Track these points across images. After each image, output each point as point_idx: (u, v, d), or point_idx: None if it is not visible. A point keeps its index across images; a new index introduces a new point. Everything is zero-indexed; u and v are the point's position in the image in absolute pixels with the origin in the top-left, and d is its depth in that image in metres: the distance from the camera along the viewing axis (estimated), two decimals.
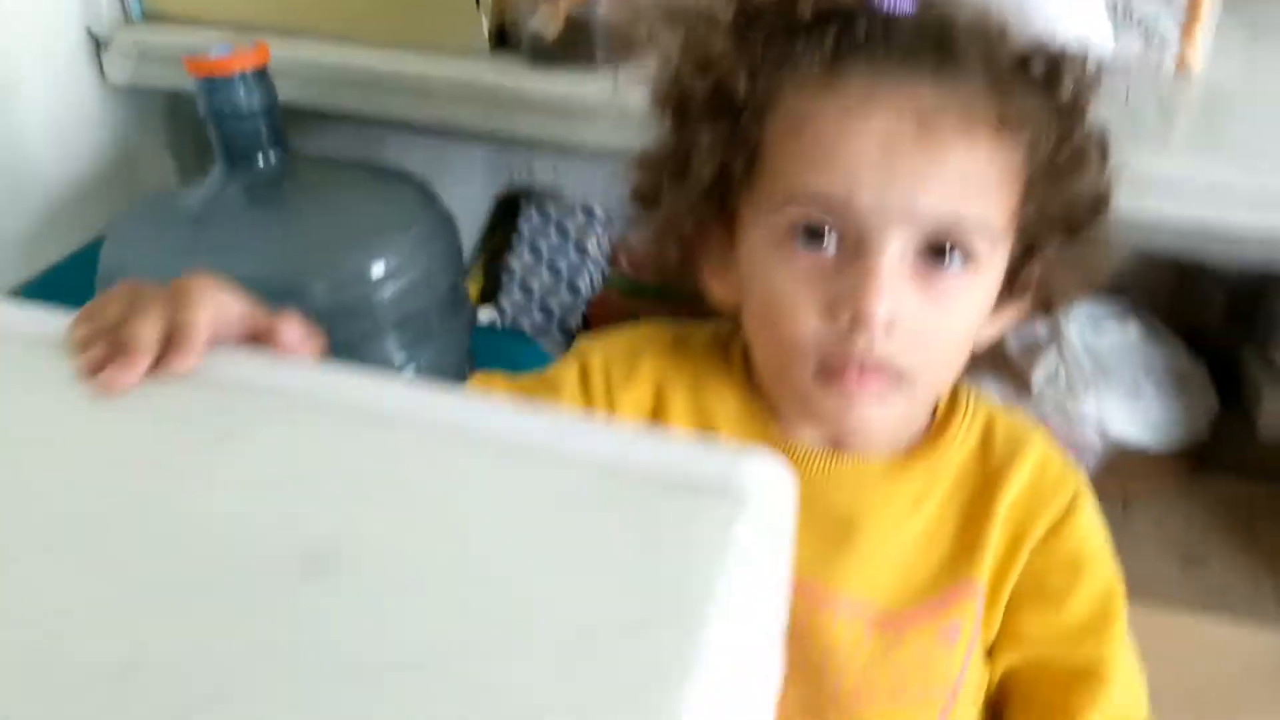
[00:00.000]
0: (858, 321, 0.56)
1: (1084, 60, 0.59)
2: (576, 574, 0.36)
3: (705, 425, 0.67)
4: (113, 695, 0.33)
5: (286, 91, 0.94)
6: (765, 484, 0.40)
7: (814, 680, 0.65)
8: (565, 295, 1.54)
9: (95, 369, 0.44)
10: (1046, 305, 0.65)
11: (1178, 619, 1.22)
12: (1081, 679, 0.65)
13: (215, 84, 0.90)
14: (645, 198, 0.66)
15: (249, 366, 0.44)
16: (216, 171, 0.95)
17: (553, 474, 0.40)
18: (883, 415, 0.60)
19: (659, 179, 0.64)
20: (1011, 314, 0.65)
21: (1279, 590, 1.20)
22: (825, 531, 0.64)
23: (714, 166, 0.61)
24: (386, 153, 1.19)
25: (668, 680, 0.32)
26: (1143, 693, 0.67)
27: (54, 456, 0.41)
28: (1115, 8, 0.94)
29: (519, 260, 1.55)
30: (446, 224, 0.99)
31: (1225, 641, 1.19)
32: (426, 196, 0.99)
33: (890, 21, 0.57)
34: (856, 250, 0.56)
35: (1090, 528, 0.67)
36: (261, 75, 0.91)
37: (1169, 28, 0.97)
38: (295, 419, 0.42)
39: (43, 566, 0.36)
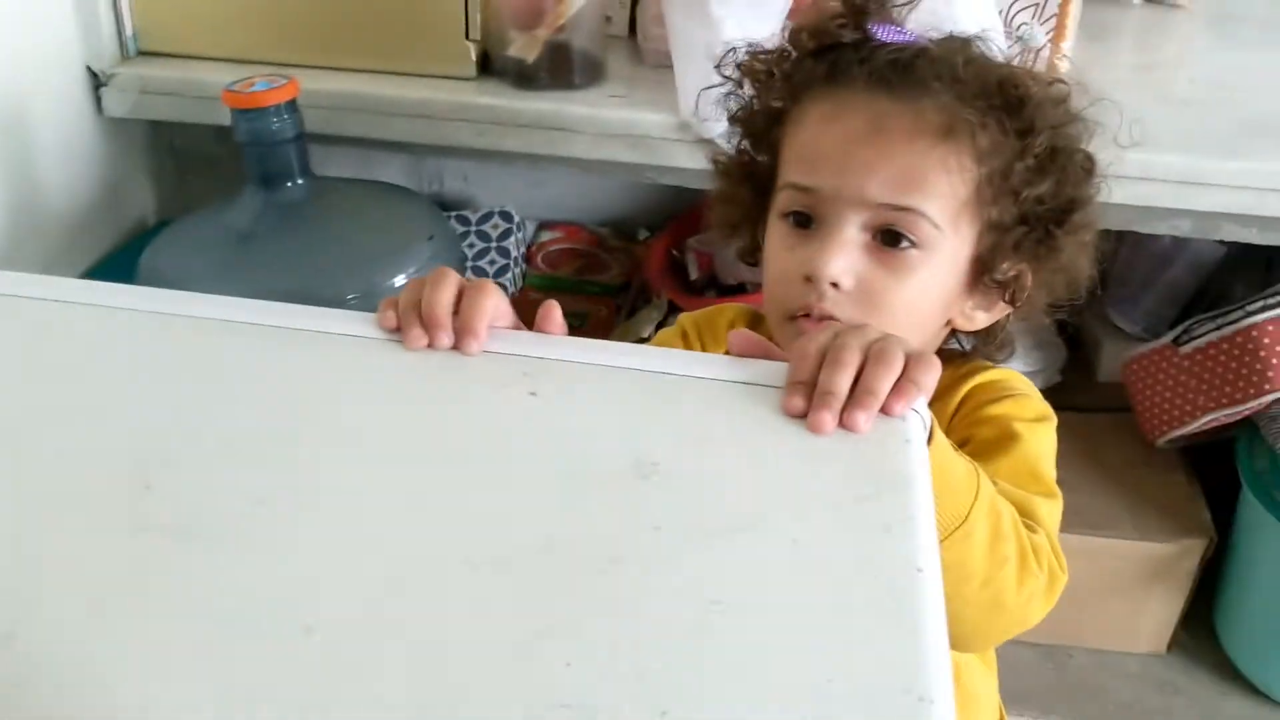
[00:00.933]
0: (811, 279, 0.72)
1: (1052, 93, 0.74)
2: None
3: None
4: (542, 562, 0.47)
5: None
6: None
7: None
8: None
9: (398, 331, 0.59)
10: (1016, 299, 0.77)
11: None
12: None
13: (252, 115, 1.01)
14: (718, 196, 0.83)
15: (529, 342, 0.59)
16: (249, 193, 1.05)
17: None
18: None
19: (726, 181, 0.82)
20: (996, 308, 0.78)
21: (1128, 508, 1.44)
22: None
23: (752, 166, 0.80)
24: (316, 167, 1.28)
25: None
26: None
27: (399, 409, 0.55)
28: (1001, 18, 1.15)
29: None
30: (453, 235, 1.12)
31: (1087, 553, 1.42)
32: (433, 209, 1.12)
33: (875, 51, 0.74)
34: (822, 227, 0.73)
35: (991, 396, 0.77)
36: (293, 106, 1.02)
37: (1040, 36, 1.19)
38: (576, 377, 0.57)
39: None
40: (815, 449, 0.53)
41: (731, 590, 0.46)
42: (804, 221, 0.74)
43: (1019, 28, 1.18)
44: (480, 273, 1.67)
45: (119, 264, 1.21)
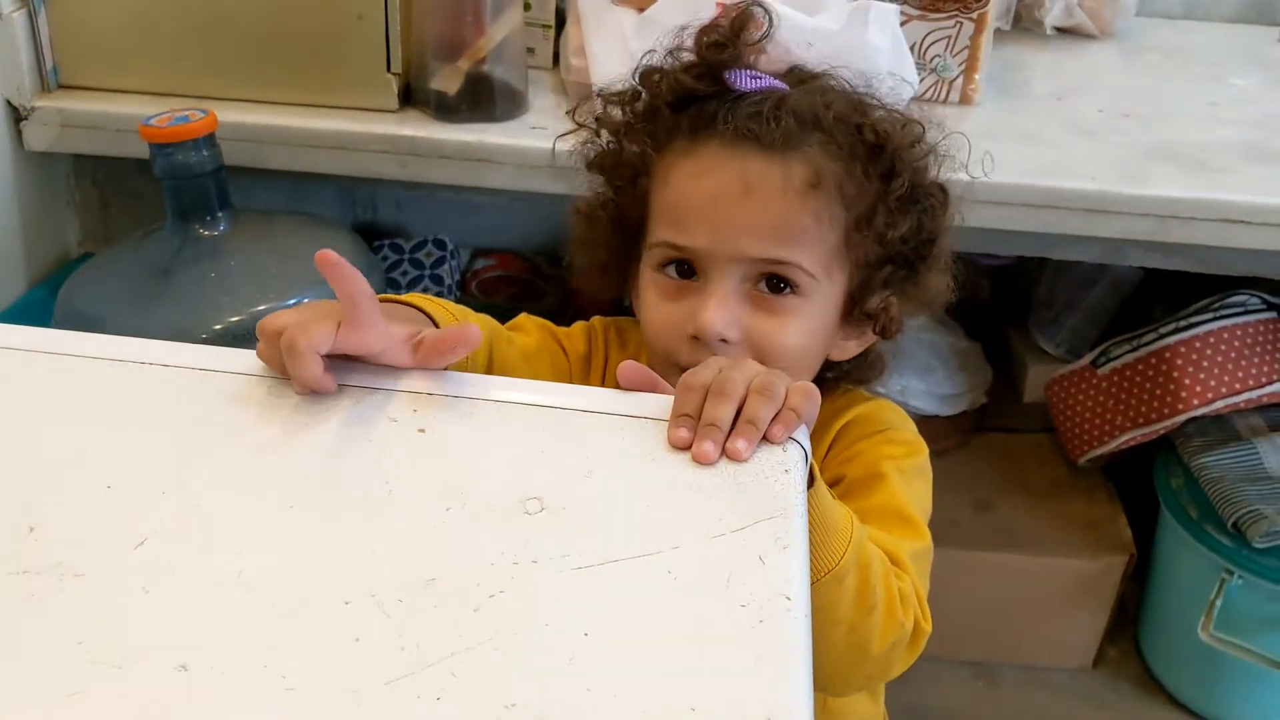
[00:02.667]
0: (699, 334, 0.74)
1: (909, 135, 0.76)
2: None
3: None
4: (421, 598, 0.48)
5: None
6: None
7: None
8: None
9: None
10: (886, 331, 0.79)
11: (974, 555, 1.47)
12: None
13: (169, 149, 1.01)
14: (583, 242, 0.84)
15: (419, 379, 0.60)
16: (169, 226, 1.05)
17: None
18: None
19: (592, 229, 0.83)
20: (866, 337, 0.81)
21: (1052, 526, 1.47)
22: None
23: (619, 214, 0.80)
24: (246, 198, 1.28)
25: None
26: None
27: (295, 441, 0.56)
28: (914, 51, 1.18)
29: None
30: (375, 264, 1.12)
31: (1013, 571, 1.45)
32: (355, 239, 1.13)
33: (736, 104, 0.74)
34: (701, 281, 0.75)
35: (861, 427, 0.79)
36: (211, 140, 1.03)
37: (953, 68, 1.22)
38: (466, 412, 0.58)
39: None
40: (698, 480, 0.55)
41: (604, 621, 0.47)
42: (682, 272, 0.76)
43: (932, 60, 1.22)
44: None
45: (43, 297, 1.20)
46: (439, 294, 1.68)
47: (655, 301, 0.77)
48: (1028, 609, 1.47)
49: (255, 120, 1.13)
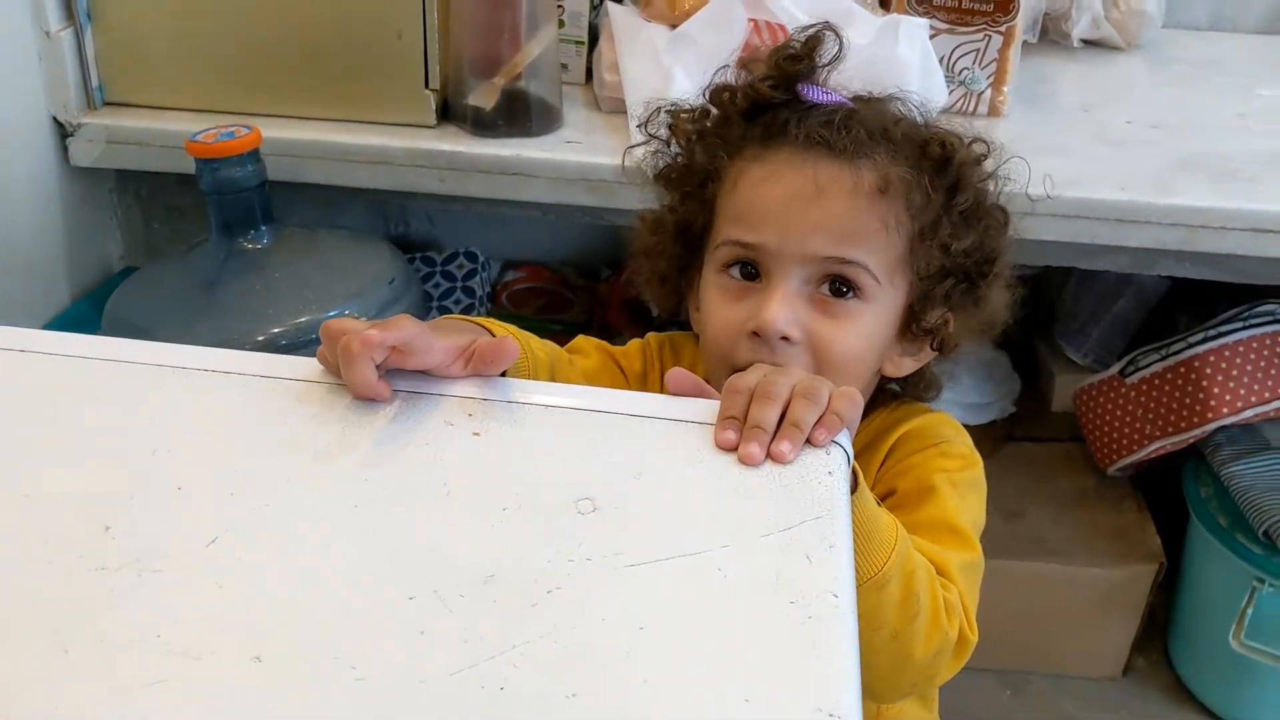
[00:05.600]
0: (759, 332, 0.75)
1: (973, 152, 0.78)
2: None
3: None
4: (482, 593, 0.50)
5: None
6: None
7: None
8: None
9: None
10: (944, 347, 0.81)
11: (1002, 564, 1.47)
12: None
13: (215, 164, 1.04)
14: (646, 251, 0.86)
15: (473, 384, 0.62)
16: (213, 240, 1.07)
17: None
18: None
19: (656, 236, 0.85)
20: (923, 354, 0.82)
21: (1081, 535, 1.47)
22: None
23: (683, 221, 0.82)
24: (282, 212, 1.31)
25: None
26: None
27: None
28: (942, 64, 1.20)
29: None
30: (414, 278, 1.15)
31: (1042, 580, 1.46)
32: (395, 253, 1.15)
33: (807, 113, 0.77)
34: (765, 281, 0.76)
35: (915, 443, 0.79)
36: (256, 155, 1.05)
37: (981, 80, 1.23)
38: (519, 417, 0.60)
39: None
40: (744, 481, 0.57)
41: (658, 616, 0.48)
42: (746, 274, 0.77)
43: (961, 73, 1.23)
44: (446, 312, 1.70)
45: (86, 310, 1.23)
46: (470, 305, 1.70)
47: (717, 302, 0.78)
48: (1056, 618, 1.47)
49: (296, 136, 1.15)
